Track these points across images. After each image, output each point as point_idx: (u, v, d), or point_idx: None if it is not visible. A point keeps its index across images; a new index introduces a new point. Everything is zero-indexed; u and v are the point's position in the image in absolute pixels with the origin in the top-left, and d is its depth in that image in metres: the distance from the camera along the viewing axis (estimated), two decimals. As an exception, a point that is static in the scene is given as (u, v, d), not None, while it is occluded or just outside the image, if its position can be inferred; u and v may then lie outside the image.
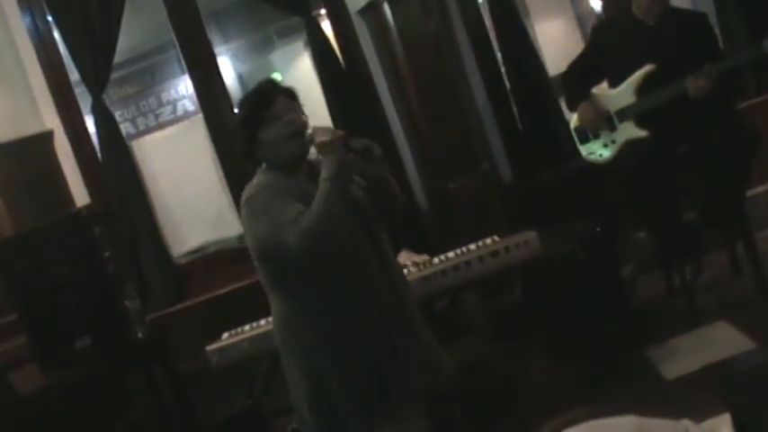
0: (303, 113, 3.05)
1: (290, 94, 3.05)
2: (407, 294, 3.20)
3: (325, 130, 2.93)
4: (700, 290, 4.92)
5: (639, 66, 4.70)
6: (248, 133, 3.00)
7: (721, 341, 4.24)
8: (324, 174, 2.83)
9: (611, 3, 6.30)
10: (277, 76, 11.51)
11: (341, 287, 2.97)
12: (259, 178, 3.01)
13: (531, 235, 4.04)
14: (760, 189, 5.48)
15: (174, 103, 10.94)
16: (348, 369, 2.97)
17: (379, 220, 3.13)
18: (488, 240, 4.13)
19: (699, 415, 2.34)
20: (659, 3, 4.74)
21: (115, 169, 5.80)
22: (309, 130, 2.93)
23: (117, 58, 6.01)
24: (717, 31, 5.36)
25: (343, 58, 5.83)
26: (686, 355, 4.25)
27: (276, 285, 3.04)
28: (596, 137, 4.96)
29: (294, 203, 2.83)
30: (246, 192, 2.99)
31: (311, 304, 2.98)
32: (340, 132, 2.93)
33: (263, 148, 2.99)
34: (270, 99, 2.99)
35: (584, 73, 4.98)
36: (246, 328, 4.17)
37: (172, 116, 10.84)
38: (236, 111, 3.23)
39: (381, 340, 2.98)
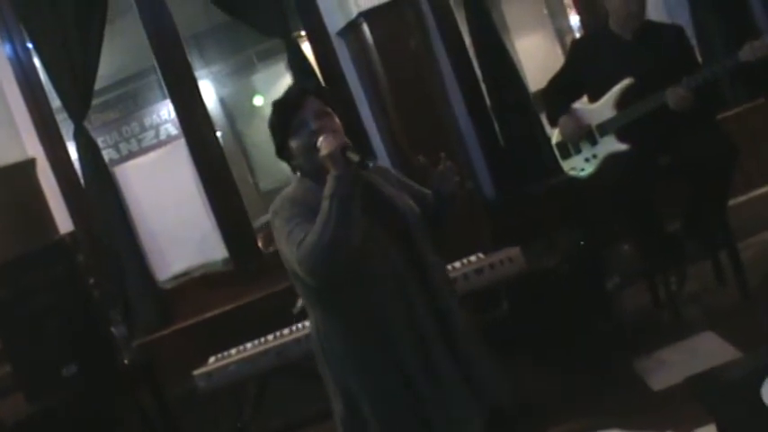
0: (333, 116, 2.90)
1: (323, 95, 2.93)
2: (452, 308, 2.94)
3: (329, 140, 2.73)
4: (685, 300, 4.94)
5: (618, 80, 4.73)
6: (280, 141, 2.91)
7: (707, 351, 4.26)
8: (324, 191, 2.67)
9: (589, 18, 6.34)
10: (259, 100, 11.57)
11: (367, 301, 2.78)
12: (290, 188, 2.89)
13: (515, 251, 4.06)
14: (741, 198, 5.52)
15: (156, 127, 10.94)
16: (377, 387, 2.81)
17: (419, 226, 2.92)
18: (473, 258, 4.15)
19: (684, 426, 2.36)
20: (636, 17, 4.78)
21: (98, 196, 5.79)
22: (320, 139, 2.75)
23: (98, 84, 6.01)
24: (694, 43, 5.40)
25: (324, 79, 5.85)
26: (673, 365, 4.26)
27: (308, 296, 2.90)
28: (578, 152, 4.98)
29: (304, 224, 2.68)
30: (273, 204, 2.86)
31: (340, 318, 2.83)
32: (339, 143, 2.72)
33: (293, 157, 2.89)
34: (296, 105, 2.86)
35: (564, 88, 5.01)
36: (233, 351, 4.16)
37: (155, 141, 10.84)
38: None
39: (413, 359, 2.79)
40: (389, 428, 2.80)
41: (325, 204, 2.63)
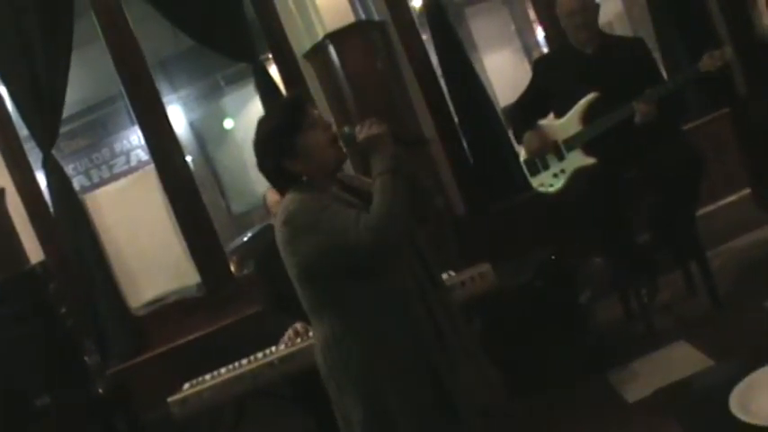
0: None
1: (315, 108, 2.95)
2: (453, 303, 3.00)
3: (369, 122, 2.77)
4: (657, 311, 4.97)
5: (582, 95, 4.76)
6: (285, 143, 2.78)
7: (681, 361, 4.28)
8: (379, 168, 2.69)
9: (555, 33, 6.38)
10: (229, 122, 11.58)
11: (395, 295, 2.74)
12: (295, 197, 2.76)
13: (486, 268, 4.06)
14: (709, 208, 5.57)
15: (127, 153, 10.93)
16: (407, 382, 2.73)
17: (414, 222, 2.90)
18: (444, 276, 4.14)
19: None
20: (584, 29, 4.81)
21: (68, 224, 5.77)
22: (346, 129, 2.79)
23: (67, 111, 5.99)
24: (657, 54, 5.45)
25: (292, 101, 5.85)
26: (647, 376, 4.28)
27: (326, 303, 2.78)
28: (546, 168, 5.00)
29: (345, 207, 2.68)
30: (283, 212, 2.75)
31: (367, 316, 2.74)
32: (385, 125, 2.77)
33: (301, 159, 2.78)
34: (305, 106, 2.85)
35: (530, 106, 5.03)
36: (207, 377, 4.14)
37: (126, 167, 10.84)
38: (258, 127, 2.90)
39: (438, 351, 2.76)
40: (419, 421, 2.74)
41: (385, 178, 2.66)
